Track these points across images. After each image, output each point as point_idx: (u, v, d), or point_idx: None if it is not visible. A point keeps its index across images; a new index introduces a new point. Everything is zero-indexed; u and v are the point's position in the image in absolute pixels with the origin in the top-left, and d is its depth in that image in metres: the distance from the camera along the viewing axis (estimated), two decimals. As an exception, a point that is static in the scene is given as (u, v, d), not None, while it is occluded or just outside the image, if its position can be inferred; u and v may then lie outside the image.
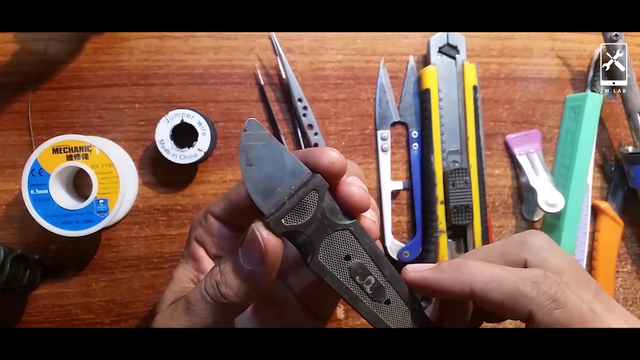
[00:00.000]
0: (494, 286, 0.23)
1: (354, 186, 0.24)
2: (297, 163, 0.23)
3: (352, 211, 0.24)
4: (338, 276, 0.24)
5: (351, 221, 0.24)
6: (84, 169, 0.38)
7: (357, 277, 0.24)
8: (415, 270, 0.25)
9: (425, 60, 0.47)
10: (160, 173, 0.44)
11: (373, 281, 0.24)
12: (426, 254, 0.44)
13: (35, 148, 0.38)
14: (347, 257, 0.24)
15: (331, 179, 0.24)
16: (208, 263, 0.28)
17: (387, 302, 0.25)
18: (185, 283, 0.28)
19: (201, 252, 0.28)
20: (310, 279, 0.29)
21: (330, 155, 0.23)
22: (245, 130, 0.23)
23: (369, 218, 0.26)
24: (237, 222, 0.28)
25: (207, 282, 0.24)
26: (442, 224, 0.43)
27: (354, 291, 0.24)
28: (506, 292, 0.23)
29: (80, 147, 0.38)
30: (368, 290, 0.24)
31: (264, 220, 0.23)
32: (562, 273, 0.24)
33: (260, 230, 0.23)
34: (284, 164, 0.23)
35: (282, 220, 0.23)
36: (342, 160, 0.24)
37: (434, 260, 0.43)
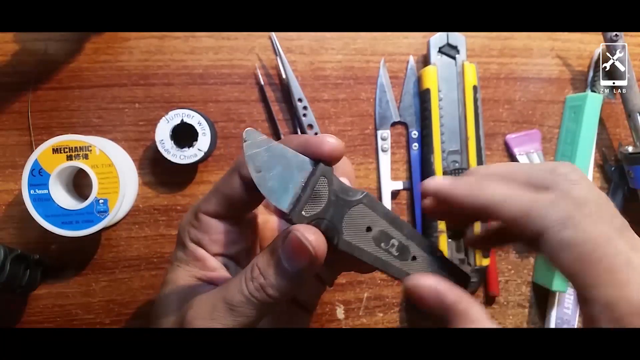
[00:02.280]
0: (508, 202, 0.24)
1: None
2: (300, 157, 0.24)
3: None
4: (366, 248, 0.25)
5: (362, 194, 0.25)
6: (84, 169, 0.38)
7: (382, 244, 0.25)
8: (434, 180, 0.26)
9: (425, 60, 0.47)
10: (160, 173, 0.44)
11: (397, 243, 0.26)
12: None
13: (35, 148, 0.38)
14: (369, 229, 0.25)
15: (331, 163, 0.25)
16: (212, 261, 0.28)
17: (414, 258, 0.26)
18: (192, 282, 0.28)
19: (201, 252, 0.28)
20: None
21: (330, 143, 0.24)
22: (245, 141, 0.23)
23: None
24: (235, 215, 0.28)
25: (249, 285, 0.24)
26: (442, 224, 0.43)
27: (384, 257, 0.25)
28: (519, 210, 0.23)
29: (80, 147, 0.38)
30: (395, 253, 0.26)
31: (302, 222, 0.24)
32: (584, 205, 0.23)
33: (307, 235, 0.23)
34: (289, 162, 0.24)
35: (303, 212, 0.24)
36: (340, 146, 0.25)
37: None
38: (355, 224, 0.25)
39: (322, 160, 0.24)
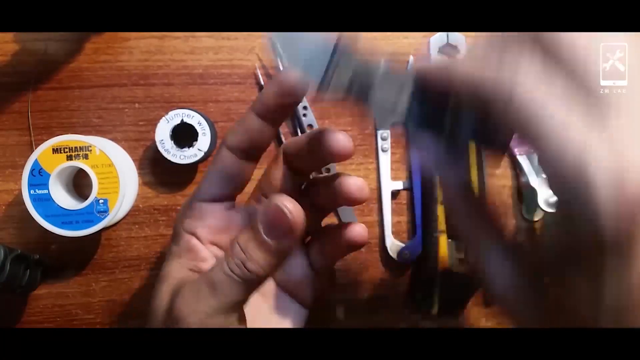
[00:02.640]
0: (467, 79, 0.22)
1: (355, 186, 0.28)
2: (320, 40, 0.26)
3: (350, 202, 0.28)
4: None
5: (384, 62, 0.26)
6: (84, 169, 0.38)
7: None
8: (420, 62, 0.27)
9: (425, 60, 0.47)
10: (160, 173, 0.44)
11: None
12: (426, 254, 0.44)
13: (35, 148, 0.38)
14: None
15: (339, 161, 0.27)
16: (204, 252, 0.29)
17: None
18: (183, 273, 0.28)
19: (194, 242, 0.28)
20: (289, 269, 0.32)
21: (341, 141, 0.27)
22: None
23: (357, 225, 0.30)
24: (230, 193, 0.29)
25: (230, 262, 0.25)
26: (442, 224, 0.43)
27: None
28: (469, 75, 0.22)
29: (80, 147, 0.38)
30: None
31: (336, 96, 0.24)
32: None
33: (285, 203, 0.24)
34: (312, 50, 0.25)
35: (331, 88, 0.24)
36: (351, 145, 0.27)
37: (434, 261, 0.43)
38: (383, 93, 0.25)
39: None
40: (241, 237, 0.25)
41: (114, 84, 0.44)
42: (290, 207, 0.24)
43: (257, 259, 0.24)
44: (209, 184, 0.28)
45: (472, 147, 0.44)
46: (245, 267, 0.24)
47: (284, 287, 0.32)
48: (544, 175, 0.46)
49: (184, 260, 0.28)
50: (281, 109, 0.28)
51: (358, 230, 0.31)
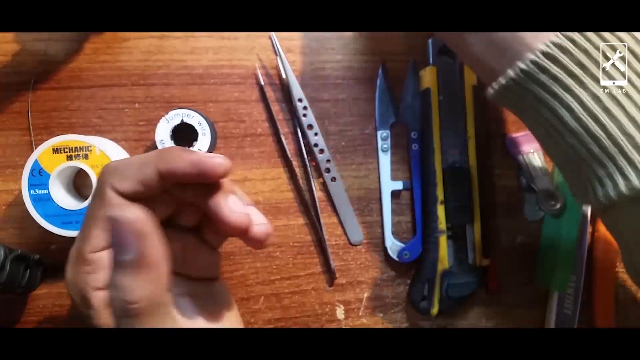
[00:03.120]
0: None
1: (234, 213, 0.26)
2: None
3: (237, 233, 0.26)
4: None
5: None
6: (84, 169, 0.38)
7: None
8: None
9: (425, 61, 0.47)
10: (160, 173, 0.44)
11: None
12: (426, 254, 0.44)
13: (35, 148, 0.38)
14: None
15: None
16: None
17: None
18: None
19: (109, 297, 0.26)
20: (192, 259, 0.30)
21: (223, 166, 0.25)
22: None
23: (259, 225, 0.27)
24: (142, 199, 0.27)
25: (114, 309, 0.23)
26: (442, 224, 0.43)
27: None
28: None
29: (80, 147, 0.38)
30: None
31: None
32: None
33: (120, 214, 0.22)
34: None
35: None
36: (230, 165, 0.26)
37: (434, 261, 0.43)
38: None
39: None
40: (110, 277, 0.23)
41: (114, 84, 0.44)
42: (126, 214, 0.22)
43: (130, 285, 0.22)
44: (101, 231, 0.26)
45: (472, 143, 0.44)
46: (126, 302, 0.22)
47: (195, 276, 0.30)
48: (544, 176, 0.46)
49: (108, 317, 0.26)
50: (189, 181, 0.26)
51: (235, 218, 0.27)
